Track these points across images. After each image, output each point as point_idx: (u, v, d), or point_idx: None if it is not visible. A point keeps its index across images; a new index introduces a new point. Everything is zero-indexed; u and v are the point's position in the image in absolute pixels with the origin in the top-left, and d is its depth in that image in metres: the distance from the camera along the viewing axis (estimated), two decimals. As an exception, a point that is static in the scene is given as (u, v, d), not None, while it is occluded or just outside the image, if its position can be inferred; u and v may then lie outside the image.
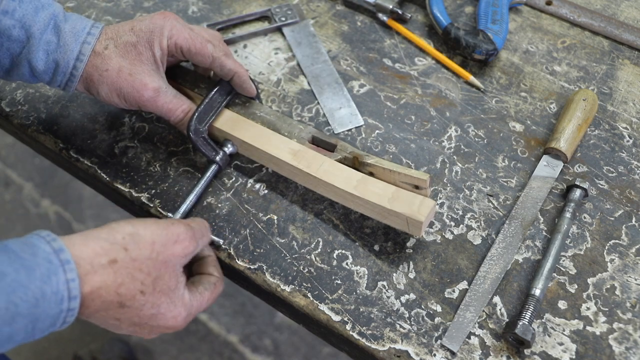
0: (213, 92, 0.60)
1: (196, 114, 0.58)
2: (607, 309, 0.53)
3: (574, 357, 0.50)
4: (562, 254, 0.56)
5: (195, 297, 0.50)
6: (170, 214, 0.59)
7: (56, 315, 0.41)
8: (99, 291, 0.43)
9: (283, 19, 0.75)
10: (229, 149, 0.60)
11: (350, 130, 0.65)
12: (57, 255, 0.41)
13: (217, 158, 0.59)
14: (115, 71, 0.54)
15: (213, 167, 0.59)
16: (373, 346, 0.51)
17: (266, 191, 0.60)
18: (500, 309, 0.53)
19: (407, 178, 0.54)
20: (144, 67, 0.55)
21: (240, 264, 0.56)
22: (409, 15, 0.75)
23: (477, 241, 0.57)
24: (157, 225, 0.47)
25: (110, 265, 0.43)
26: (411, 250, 0.56)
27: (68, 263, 0.41)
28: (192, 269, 0.53)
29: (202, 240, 0.51)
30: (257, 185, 0.61)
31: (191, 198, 0.57)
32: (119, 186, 0.61)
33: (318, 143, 0.60)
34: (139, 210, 0.61)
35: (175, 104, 0.57)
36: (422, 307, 0.53)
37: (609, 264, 0.56)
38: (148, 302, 0.45)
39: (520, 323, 0.49)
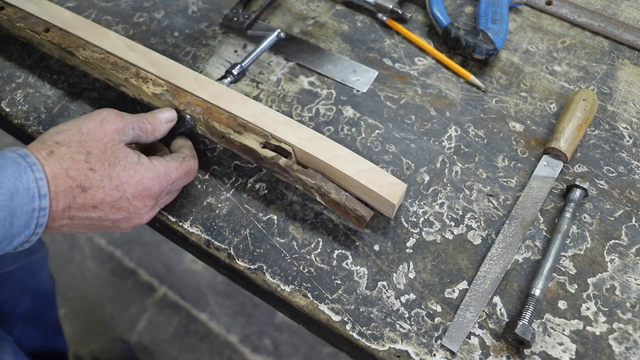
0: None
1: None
2: (607, 309, 0.53)
3: (573, 357, 0.50)
4: (562, 254, 0.56)
5: (159, 162, 0.52)
6: (171, 216, 0.59)
7: (30, 212, 0.44)
8: (54, 181, 0.46)
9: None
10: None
11: (374, 84, 0.70)
12: (24, 159, 0.45)
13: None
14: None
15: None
16: (373, 346, 0.51)
17: (266, 191, 0.60)
18: (500, 309, 0.53)
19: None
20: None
21: (240, 264, 0.56)
22: (409, 15, 0.75)
23: (477, 241, 0.57)
24: (78, 117, 0.51)
25: (50, 156, 0.46)
26: (411, 250, 0.56)
27: (35, 165, 0.45)
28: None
29: (136, 125, 0.52)
30: (257, 185, 0.61)
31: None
32: (119, 186, 0.61)
33: (275, 150, 0.56)
34: (139, 210, 0.61)
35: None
36: (422, 307, 0.53)
37: (609, 264, 0.56)
38: (104, 177, 0.48)
39: (520, 323, 0.49)
